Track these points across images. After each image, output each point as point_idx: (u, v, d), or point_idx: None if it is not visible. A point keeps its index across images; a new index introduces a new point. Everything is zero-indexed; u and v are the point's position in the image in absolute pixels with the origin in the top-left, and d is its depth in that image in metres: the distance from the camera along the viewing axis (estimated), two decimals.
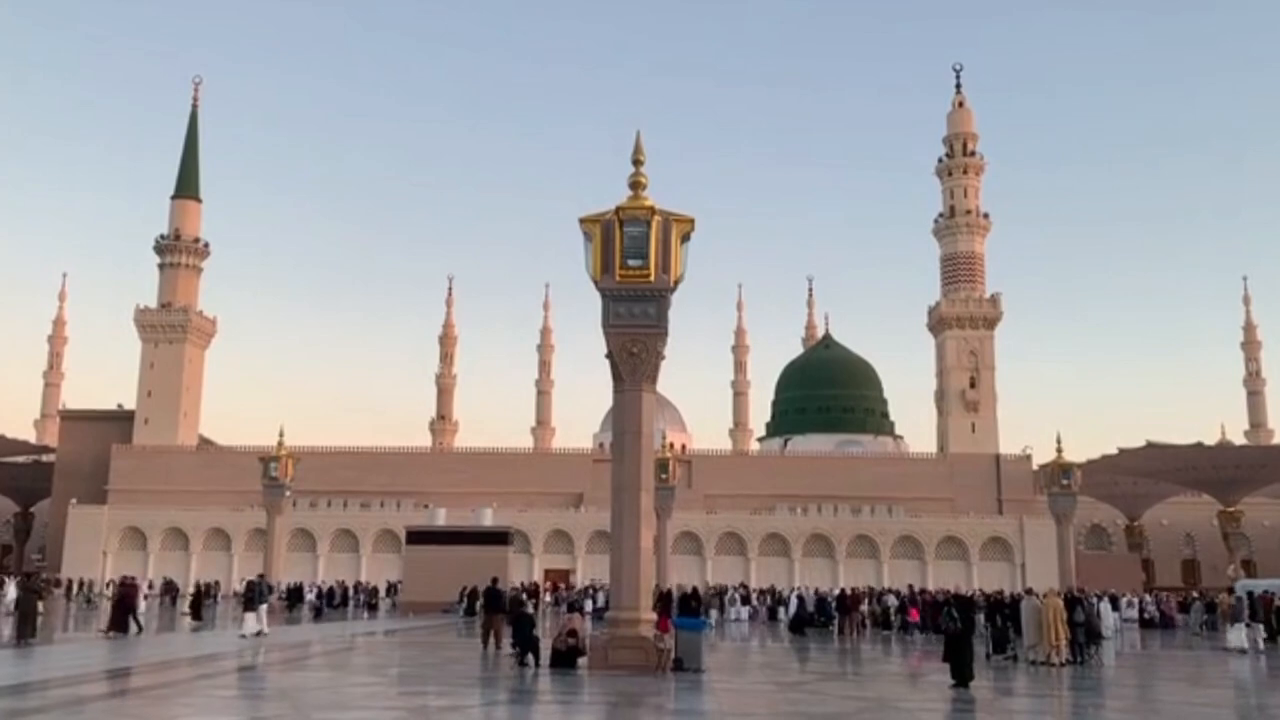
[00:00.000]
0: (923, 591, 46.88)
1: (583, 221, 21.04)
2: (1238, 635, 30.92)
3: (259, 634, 28.81)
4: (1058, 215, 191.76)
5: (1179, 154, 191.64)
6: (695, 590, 42.03)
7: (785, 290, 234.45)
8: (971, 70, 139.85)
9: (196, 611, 34.92)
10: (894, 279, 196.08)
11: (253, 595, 30.16)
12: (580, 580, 66.35)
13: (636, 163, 21.71)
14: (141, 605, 34.50)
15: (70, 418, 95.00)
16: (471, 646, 26.21)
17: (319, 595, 56.75)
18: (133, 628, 28.93)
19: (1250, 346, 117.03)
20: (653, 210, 20.84)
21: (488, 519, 54.11)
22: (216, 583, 62.13)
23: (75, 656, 23.31)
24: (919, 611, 39.80)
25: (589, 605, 42.32)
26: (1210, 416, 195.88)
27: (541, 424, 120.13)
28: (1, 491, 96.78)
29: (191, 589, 39.48)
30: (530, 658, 20.50)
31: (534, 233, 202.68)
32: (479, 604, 32.57)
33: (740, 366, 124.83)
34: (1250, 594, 35.96)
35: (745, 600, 49.89)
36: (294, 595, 54.92)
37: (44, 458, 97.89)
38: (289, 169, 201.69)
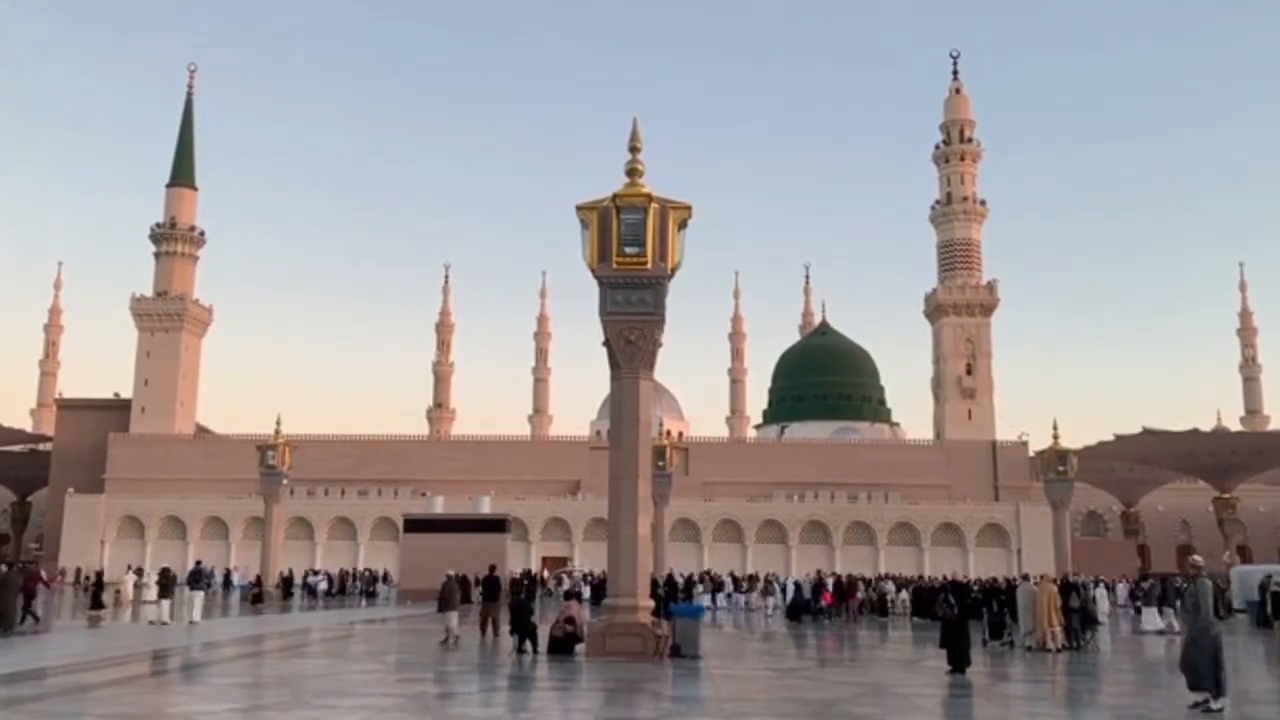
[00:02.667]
0: (904, 577, 46.99)
1: (580, 209, 21.00)
2: (1152, 618, 32.80)
3: (191, 623, 29.17)
4: (1054, 202, 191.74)
5: (1176, 140, 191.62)
6: (669, 575, 42.10)
7: (782, 278, 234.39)
8: (969, 56, 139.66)
9: (96, 600, 34.45)
10: (891, 266, 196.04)
11: (166, 583, 30.57)
12: (576, 568, 66.46)
13: (634, 149, 21.65)
14: (41, 596, 33.83)
15: (67, 406, 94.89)
16: (468, 634, 26.26)
17: (329, 582, 57.22)
18: (29, 620, 27.62)
19: (1246, 333, 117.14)
20: (650, 197, 20.81)
21: (485, 507, 54.21)
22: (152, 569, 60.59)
23: (67, 646, 23.35)
24: (833, 596, 40.89)
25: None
26: (1206, 403, 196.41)
27: (539, 411, 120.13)
28: None
29: (91, 577, 38.56)
30: (528, 644, 20.54)
31: (531, 220, 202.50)
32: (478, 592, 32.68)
33: (737, 354, 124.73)
34: (1165, 579, 37.54)
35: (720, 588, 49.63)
36: (289, 584, 55.13)
37: (41, 446, 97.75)
38: (285, 157, 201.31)
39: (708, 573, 55.12)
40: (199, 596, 31.81)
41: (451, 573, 26.01)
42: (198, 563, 37.24)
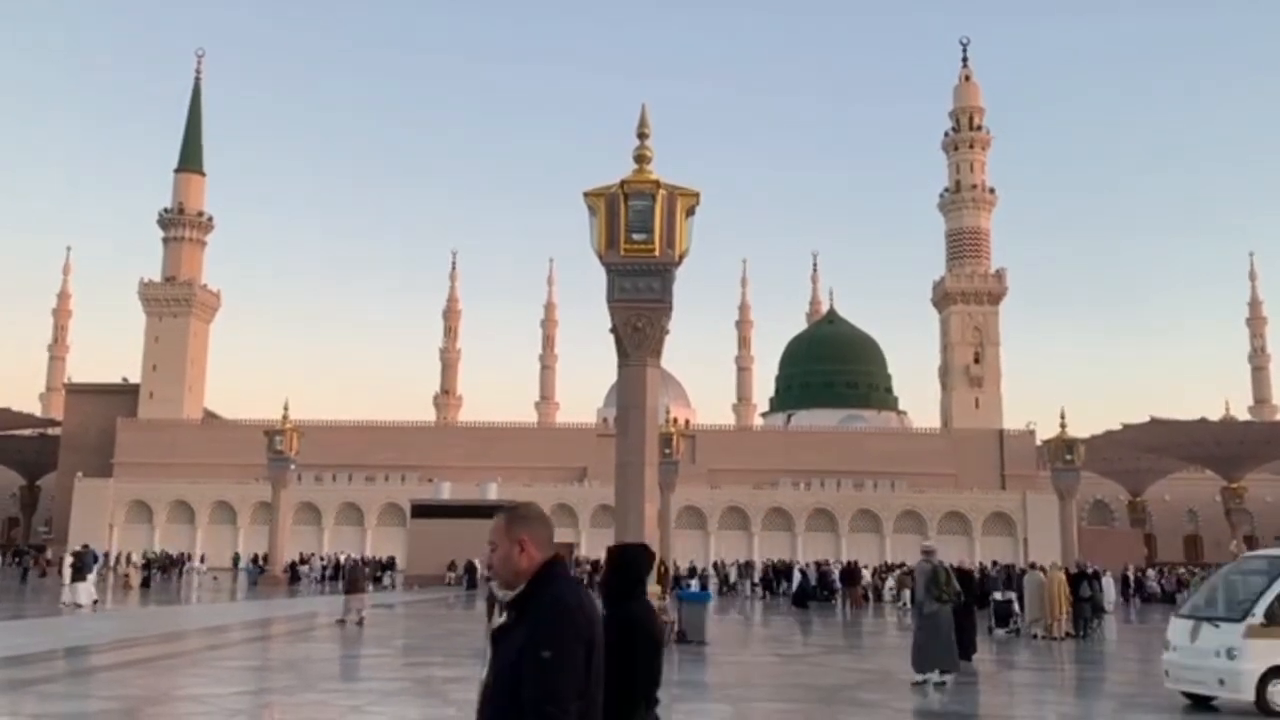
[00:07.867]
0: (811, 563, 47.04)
1: (587, 195, 20.91)
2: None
3: (95, 603, 29.30)
4: (1064, 190, 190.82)
5: (1186, 129, 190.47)
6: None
7: (790, 265, 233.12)
8: (979, 43, 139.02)
9: None
10: (899, 254, 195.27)
11: (81, 565, 30.30)
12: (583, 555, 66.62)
13: (641, 136, 21.53)
14: None
15: (75, 391, 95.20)
16: (474, 618, 26.37)
17: (379, 568, 57.48)
18: None
19: (1255, 323, 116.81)
20: (658, 184, 20.70)
21: (492, 493, 54.49)
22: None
23: (56, 630, 23.50)
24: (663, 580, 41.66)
25: None
26: (1214, 392, 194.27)
27: (545, 398, 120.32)
28: (7, 465, 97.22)
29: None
30: None
31: (538, 207, 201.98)
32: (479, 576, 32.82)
33: (744, 341, 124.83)
34: (1010, 567, 37.83)
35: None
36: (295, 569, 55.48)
37: (49, 431, 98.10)
38: (293, 142, 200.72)
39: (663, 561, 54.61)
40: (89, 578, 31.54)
41: (358, 557, 26.44)
42: (85, 545, 36.60)
